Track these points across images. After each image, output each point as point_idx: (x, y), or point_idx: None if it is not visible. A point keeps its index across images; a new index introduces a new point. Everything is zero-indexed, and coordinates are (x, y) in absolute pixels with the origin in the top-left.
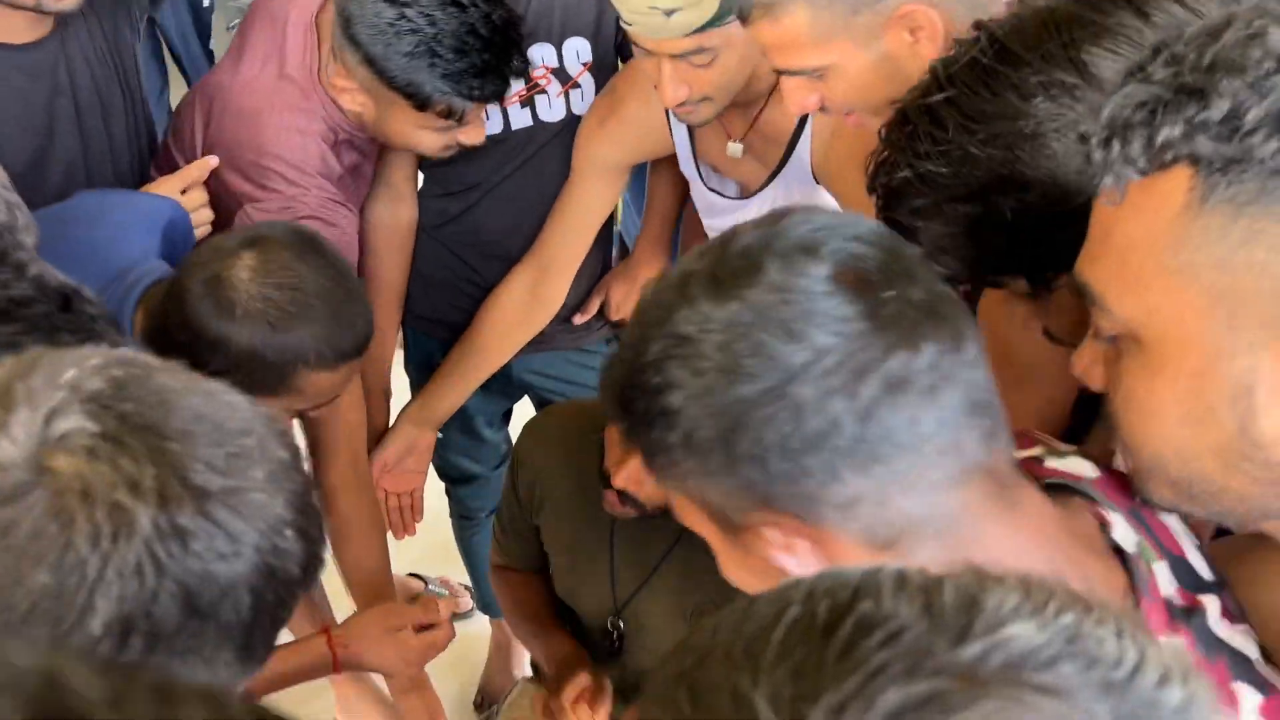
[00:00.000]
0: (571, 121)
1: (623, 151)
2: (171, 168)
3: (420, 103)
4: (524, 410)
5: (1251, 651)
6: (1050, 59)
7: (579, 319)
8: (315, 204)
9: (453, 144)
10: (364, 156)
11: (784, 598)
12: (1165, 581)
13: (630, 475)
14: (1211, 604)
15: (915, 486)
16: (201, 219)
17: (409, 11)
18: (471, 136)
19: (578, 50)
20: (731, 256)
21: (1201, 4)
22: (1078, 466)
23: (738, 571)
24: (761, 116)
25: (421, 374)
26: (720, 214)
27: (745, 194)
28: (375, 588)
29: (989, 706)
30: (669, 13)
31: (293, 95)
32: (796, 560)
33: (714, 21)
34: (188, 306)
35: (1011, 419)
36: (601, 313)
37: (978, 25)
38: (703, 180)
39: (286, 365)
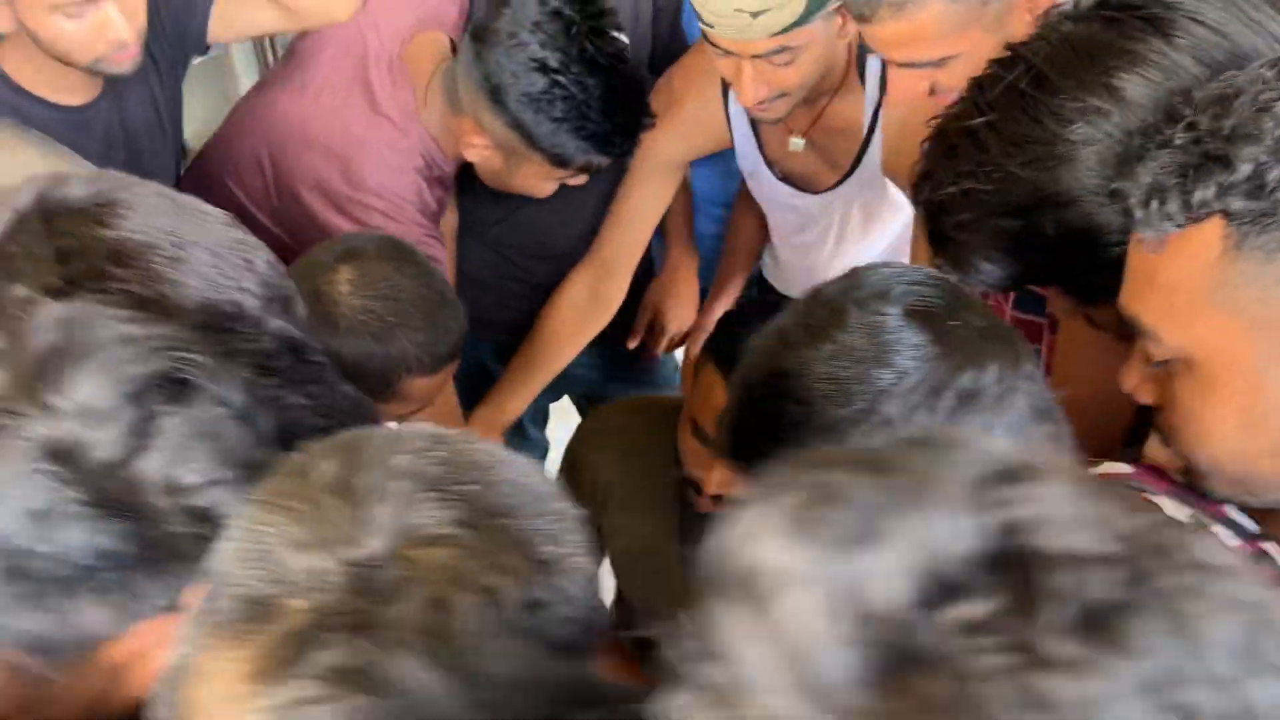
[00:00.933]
0: None
1: (682, 148)
2: (223, 201)
3: (562, 162)
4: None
5: None
6: (1085, 86)
7: (631, 343)
8: (416, 239)
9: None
10: (448, 191)
11: None
12: (1228, 538)
13: (721, 481)
14: (1272, 549)
15: None
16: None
17: (561, 79)
18: (581, 177)
19: None
20: (818, 308)
21: (1221, 24)
22: (1113, 467)
23: None
24: (827, 110)
25: (472, 379)
26: (791, 208)
27: (808, 187)
28: None
29: None
30: (756, 14)
31: (390, 133)
32: None
33: (800, 21)
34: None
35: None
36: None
37: (1011, 48)
38: (775, 174)
39: (390, 373)
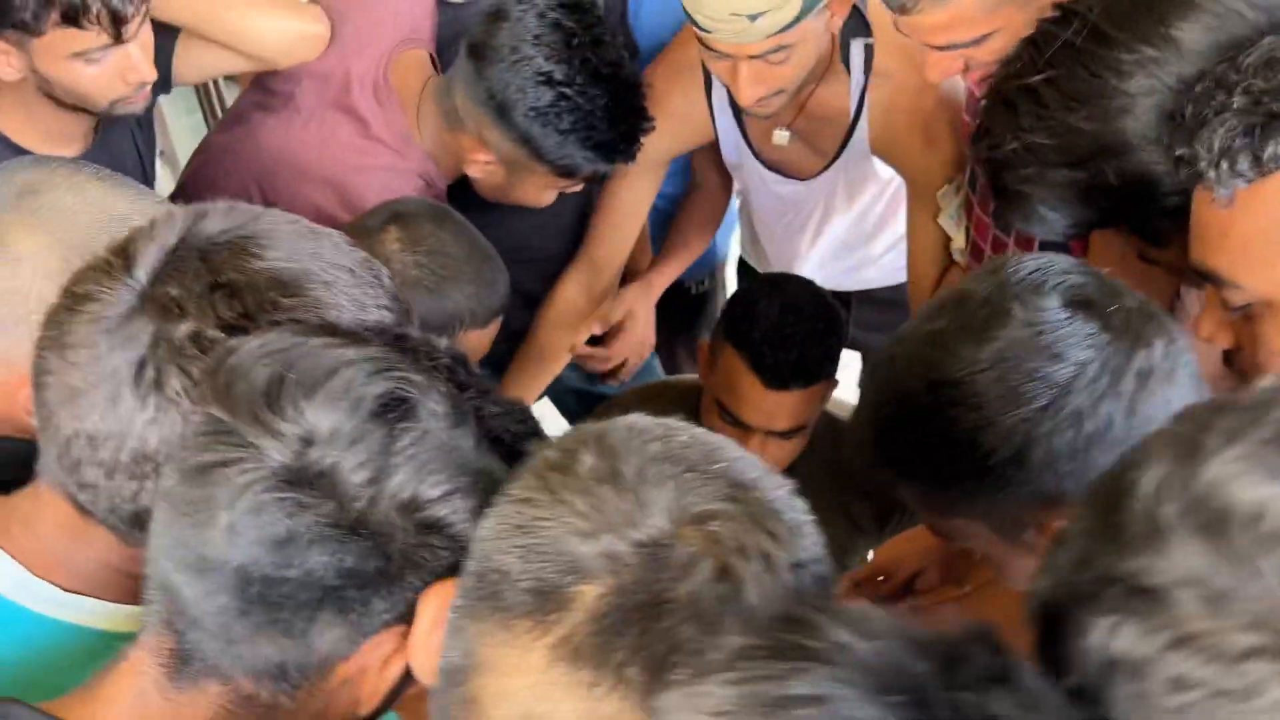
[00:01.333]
0: None
1: (668, 145)
2: None
3: (569, 173)
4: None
5: None
6: (1142, 37)
7: (598, 329)
8: None
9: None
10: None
11: None
12: None
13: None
14: None
15: None
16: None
17: (568, 91)
18: (576, 186)
19: None
20: (974, 308)
21: None
22: None
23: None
24: (813, 98)
25: None
26: (777, 196)
27: (794, 174)
28: None
29: None
30: (754, 17)
31: (385, 156)
32: None
33: (798, 19)
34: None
35: None
36: None
37: (1063, 6)
38: (762, 163)
39: (446, 327)
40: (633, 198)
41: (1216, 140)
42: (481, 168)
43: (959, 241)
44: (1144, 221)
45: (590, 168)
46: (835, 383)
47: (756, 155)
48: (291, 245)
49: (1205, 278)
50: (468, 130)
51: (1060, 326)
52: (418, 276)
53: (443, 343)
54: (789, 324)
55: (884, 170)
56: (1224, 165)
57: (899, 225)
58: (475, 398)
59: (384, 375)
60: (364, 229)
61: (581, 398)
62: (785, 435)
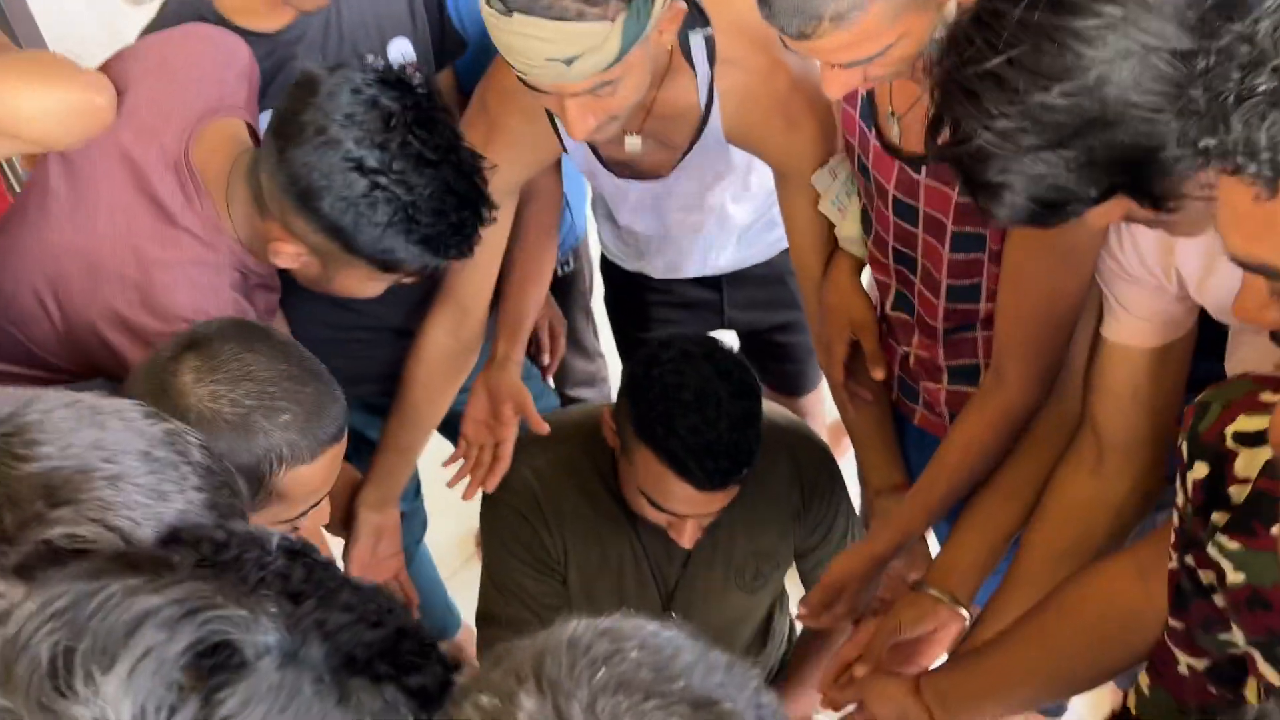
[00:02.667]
0: None
1: (517, 171)
2: (11, 350)
3: (390, 267)
4: None
5: None
6: None
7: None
8: None
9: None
10: (275, 291)
11: None
12: None
13: (692, 537)
14: None
15: None
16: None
17: (382, 180)
18: (414, 278)
19: (402, 52)
20: None
21: None
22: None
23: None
24: (658, 100)
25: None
26: (634, 202)
27: (650, 174)
28: None
29: None
30: (569, 61)
31: (194, 249)
32: None
33: (618, 59)
34: None
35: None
36: None
37: None
38: (611, 171)
39: (259, 467)
40: (486, 236)
41: (1256, 134)
42: (292, 259)
43: (846, 229)
44: (1146, 187)
45: (418, 263)
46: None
47: (605, 164)
48: (66, 436)
49: (1247, 268)
50: (274, 217)
51: None
52: (215, 409)
53: (274, 538)
54: (711, 425)
55: (738, 155)
56: (1266, 158)
57: (760, 205)
58: (316, 609)
59: (195, 620)
60: (157, 364)
61: None
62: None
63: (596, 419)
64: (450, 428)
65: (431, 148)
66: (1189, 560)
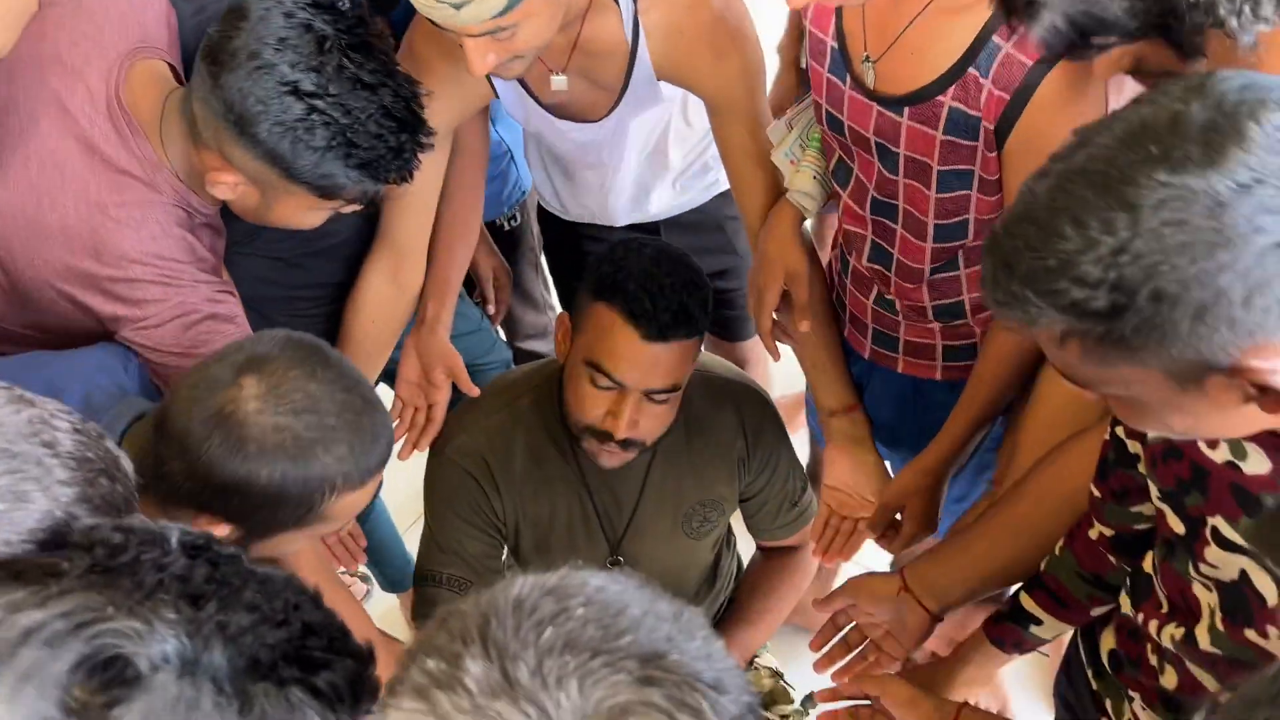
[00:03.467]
0: None
1: (448, 114)
2: None
3: (328, 193)
4: None
5: None
6: None
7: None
8: (205, 300)
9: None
10: (221, 234)
11: None
12: None
13: (633, 419)
14: None
15: None
16: None
17: (319, 104)
18: (353, 205)
19: None
20: (1193, 133)
21: None
22: None
23: (1184, 419)
24: (582, 36)
25: None
26: (575, 143)
27: (587, 117)
28: None
29: None
30: (458, 6)
31: (137, 192)
32: None
33: (509, 7)
34: (192, 451)
35: None
36: None
37: None
38: (547, 110)
39: (314, 495)
40: (423, 178)
41: None
42: (230, 189)
43: (799, 183)
44: (1178, 32)
45: (358, 189)
46: (701, 341)
47: (541, 104)
48: None
49: None
50: (209, 147)
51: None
52: (279, 443)
53: (174, 534)
54: (663, 273)
55: (669, 91)
56: (1246, 11)
57: (693, 147)
58: (218, 611)
59: (84, 634)
60: (215, 381)
61: None
62: (661, 395)
63: (543, 375)
64: (392, 377)
65: (368, 71)
66: (1119, 431)
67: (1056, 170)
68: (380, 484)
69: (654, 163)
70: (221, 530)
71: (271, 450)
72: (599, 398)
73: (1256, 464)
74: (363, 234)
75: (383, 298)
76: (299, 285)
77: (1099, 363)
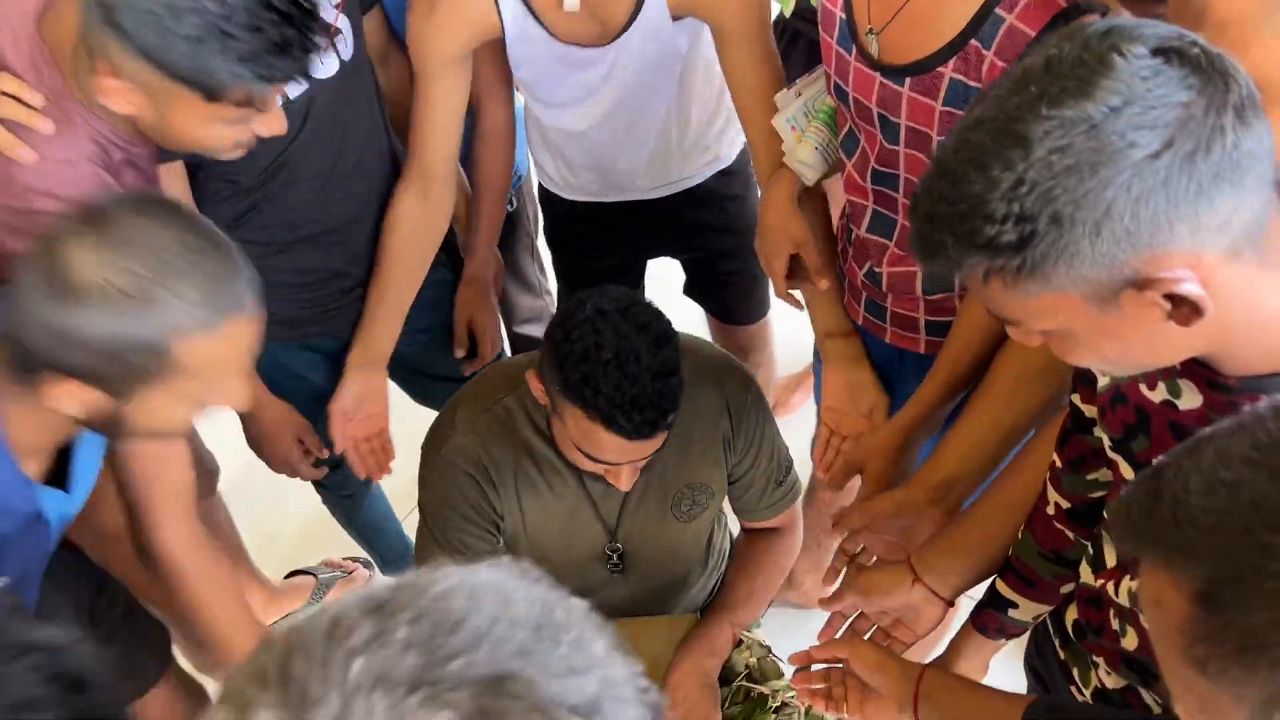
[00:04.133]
0: (345, 71)
1: (460, 41)
2: None
3: (212, 93)
4: None
5: None
6: None
7: (459, 352)
8: None
9: (249, 140)
10: (148, 178)
11: None
12: None
13: (629, 479)
14: None
15: (1259, 190)
16: None
17: None
18: (271, 126)
19: None
20: (1067, 69)
21: None
22: None
23: (1114, 344)
24: None
25: (307, 391)
26: (578, 66)
27: (594, 44)
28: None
29: None
30: None
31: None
32: (1191, 286)
33: None
34: (30, 308)
35: None
36: None
37: None
38: (554, 36)
39: (161, 339)
40: (443, 99)
41: None
42: (122, 99)
43: (801, 153)
44: None
45: (241, 86)
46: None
47: (547, 29)
48: None
49: None
50: (97, 55)
51: (1159, 71)
52: (112, 282)
53: None
54: (634, 379)
55: (685, 46)
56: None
57: (710, 108)
58: None
59: None
60: (49, 244)
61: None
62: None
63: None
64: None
65: None
66: (1075, 398)
67: (960, 126)
68: (254, 342)
69: (678, 117)
70: (81, 393)
71: (107, 293)
72: (595, 465)
73: (1190, 399)
74: (354, 222)
75: (413, 216)
76: (290, 270)
77: (1024, 296)
